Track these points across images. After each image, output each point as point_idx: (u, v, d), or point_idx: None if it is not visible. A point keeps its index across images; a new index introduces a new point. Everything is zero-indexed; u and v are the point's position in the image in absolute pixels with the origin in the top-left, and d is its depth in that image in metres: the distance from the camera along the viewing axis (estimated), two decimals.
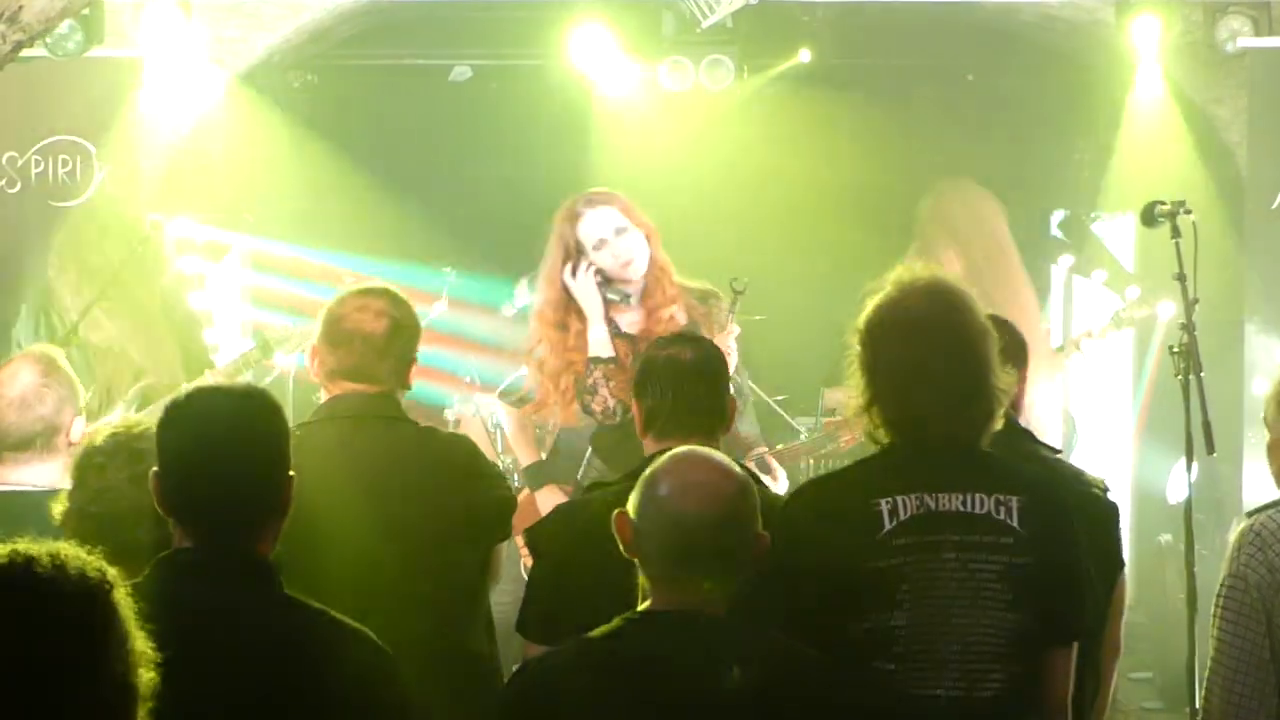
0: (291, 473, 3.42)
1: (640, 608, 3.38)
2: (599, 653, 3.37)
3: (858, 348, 3.93)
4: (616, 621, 3.40)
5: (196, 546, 3.34)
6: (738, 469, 3.46)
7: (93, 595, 2.43)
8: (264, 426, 3.42)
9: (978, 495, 3.78)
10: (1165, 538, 9.09)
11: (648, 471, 3.48)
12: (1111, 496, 4.89)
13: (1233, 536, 4.35)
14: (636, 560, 3.41)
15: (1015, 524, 3.77)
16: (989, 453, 3.89)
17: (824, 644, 3.73)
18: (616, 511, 3.44)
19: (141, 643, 2.46)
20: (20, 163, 8.22)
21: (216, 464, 3.34)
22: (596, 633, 3.41)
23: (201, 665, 3.05)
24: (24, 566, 2.40)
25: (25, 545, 2.44)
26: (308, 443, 4.37)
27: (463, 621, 4.49)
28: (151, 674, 2.47)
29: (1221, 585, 4.27)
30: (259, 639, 3.23)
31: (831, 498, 3.90)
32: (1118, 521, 4.79)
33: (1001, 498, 3.78)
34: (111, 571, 2.47)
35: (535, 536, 4.70)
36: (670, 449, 4.43)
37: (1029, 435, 4.83)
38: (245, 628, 3.24)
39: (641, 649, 3.33)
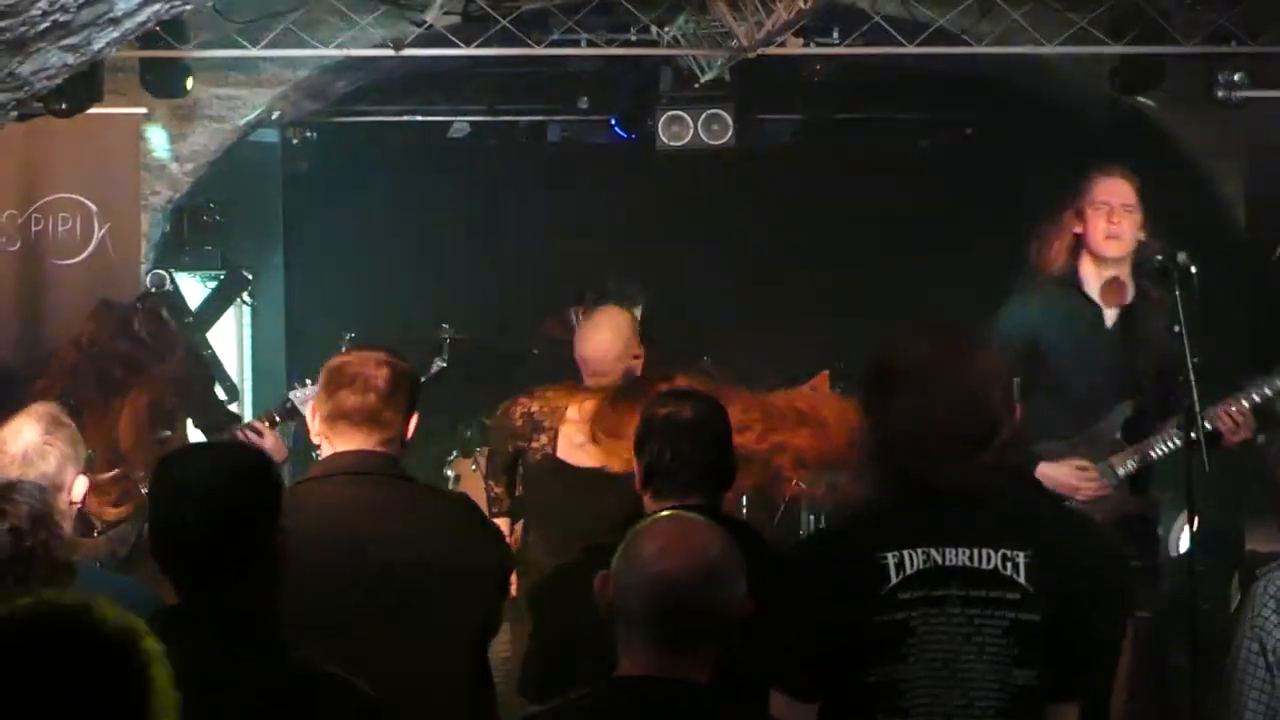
0: (284, 523, 3.44)
1: (617, 672, 3.30)
2: (572, 717, 3.33)
3: (863, 398, 3.92)
4: (593, 686, 3.35)
5: (181, 602, 3.38)
6: (723, 532, 3.38)
7: (127, 643, 2.44)
8: (248, 481, 3.45)
9: (984, 550, 3.76)
10: (1164, 588, 9.06)
11: (631, 532, 3.42)
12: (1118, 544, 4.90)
13: (1234, 587, 4.35)
14: (617, 623, 3.34)
15: (1022, 580, 3.75)
16: (997, 505, 3.87)
17: (829, 697, 3.73)
18: (600, 573, 3.40)
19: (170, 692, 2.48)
20: (20, 221, 8.22)
21: (198, 519, 3.37)
22: (572, 698, 3.39)
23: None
24: (55, 613, 2.43)
25: (52, 594, 2.48)
26: (305, 500, 4.36)
27: (461, 682, 4.46)
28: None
29: (1237, 645, 4.26)
30: (236, 694, 3.23)
31: (837, 550, 3.87)
32: (1124, 569, 4.79)
33: (1009, 553, 3.76)
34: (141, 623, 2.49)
35: (533, 597, 4.67)
36: (668, 508, 4.45)
37: (1035, 483, 4.82)
38: (220, 682, 3.24)
39: (612, 716, 3.27)
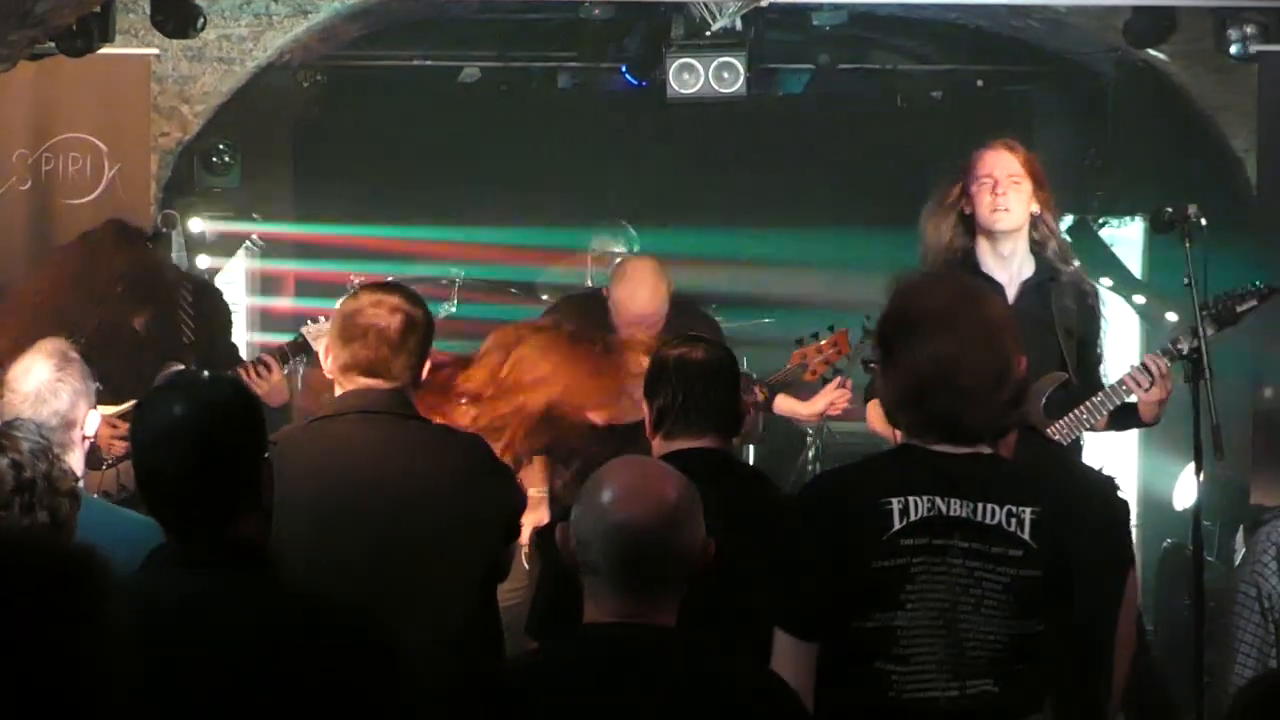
0: (267, 455, 3.46)
1: (585, 620, 3.31)
2: (543, 667, 3.35)
3: (883, 347, 3.93)
4: (563, 635, 3.37)
5: (168, 538, 3.39)
6: (681, 476, 3.38)
7: (88, 569, 2.46)
8: (229, 414, 3.45)
9: (989, 505, 3.77)
10: (1168, 542, 9.09)
11: (590, 478, 3.40)
12: (1121, 494, 4.92)
13: (1238, 541, 4.37)
14: (581, 570, 3.32)
15: (1026, 536, 3.77)
16: (1004, 461, 3.88)
17: (828, 639, 3.75)
18: (561, 524, 3.39)
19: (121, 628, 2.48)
20: (31, 160, 8.22)
21: (175, 459, 3.37)
22: (544, 646, 3.39)
23: (178, 653, 3.11)
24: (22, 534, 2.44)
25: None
26: (316, 438, 4.39)
27: (468, 620, 4.48)
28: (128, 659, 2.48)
29: (1234, 590, 4.29)
30: (234, 625, 3.25)
31: (842, 493, 3.89)
32: (1128, 519, 4.81)
33: (1014, 509, 3.77)
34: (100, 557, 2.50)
35: (543, 538, 4.70)
36: (678, 451, 4.47)
37: (1041, 436, 4.83)
38: (217, 614, 3.26)
39: (584, 663, 3.27)
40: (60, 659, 2.37)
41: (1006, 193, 6.18)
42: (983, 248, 6.27)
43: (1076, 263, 6.41)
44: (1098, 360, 6.35)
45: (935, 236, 6.31)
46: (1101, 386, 6.25)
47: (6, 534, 2.58)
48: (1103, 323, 6.35)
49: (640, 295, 7.08)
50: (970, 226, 6.26)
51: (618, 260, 8.17)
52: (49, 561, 2.44)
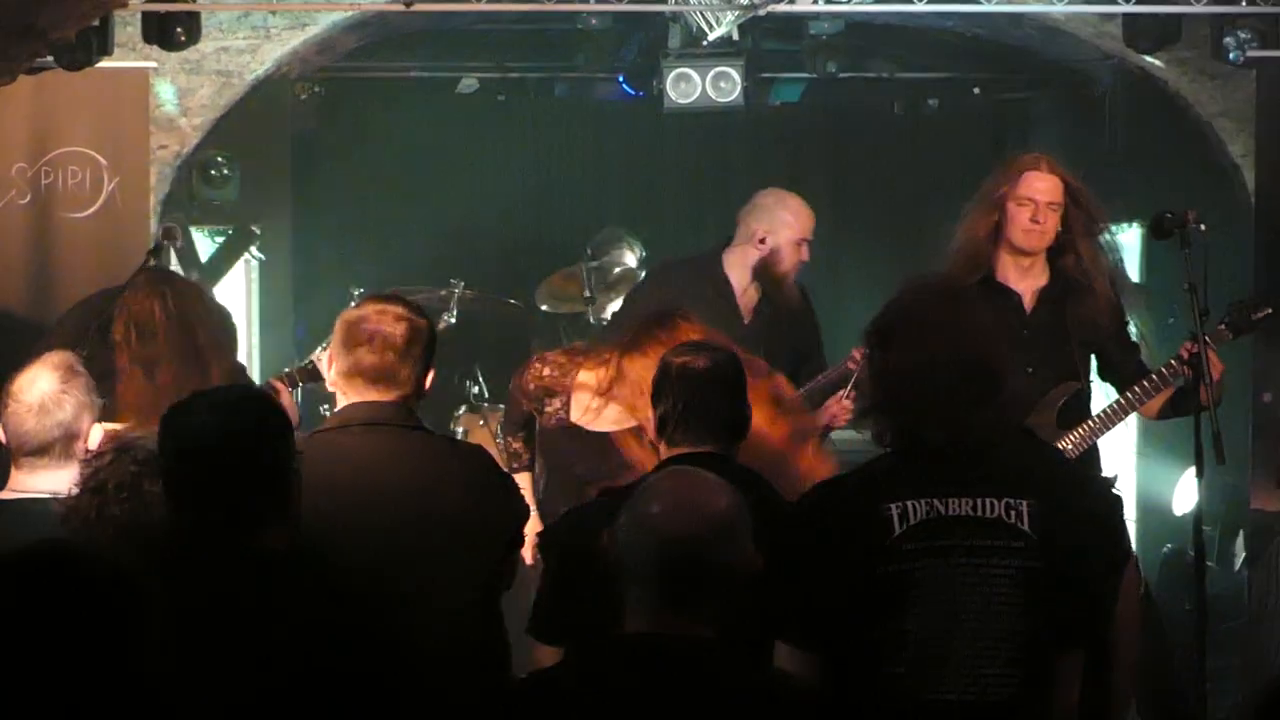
0: (296, 468, 3.47)
1: (625, 629, 3.31)
2: (580, 678, 3.33)
3: (868, 351, 3.96)
4: (601, 643, 3.37)
5: (199, 545, 3.39)
6: (730, 488, 3.38)
7: (127, 582, 2.48)
8: (261, 423, 3.48)
9: (988, 499, 3.79)
10: (1168, 548, 9.10)
11: (639, 488, 3.43)
12: (1116, 491, 4.93)
13: (1238, 545, 4.38)
14: (623, 579, 3.33)
15: (1026, 528, 3.79)
16: (999, 455, 3.90)
17: (836, 649, 3.76)
18: (605, 530, 3.40)
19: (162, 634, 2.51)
20: (30, 174, 8.22)
21: (215, 460, 3.40)
22: (579, 655, 3.41)
23: (207, 659, 3.12)
24: (63, 551, 2.46)
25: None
26: (321, 451, 4.39)
27: (475, 630, 4.50)
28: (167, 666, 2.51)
29: (1262, 594, 4.31)
30: (262, 634, 3.26)
31: (840, 502, 3.91)
32: (1121, 514, 4.83)
33: (1012, 501, 3.80)
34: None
35: (546, 540, 4.71)
36: (681, 456, 4.48)
37: (1032, 436, 4.85)
38: (246, 623, 3.27)
39: (624, 675, 3.26)
40: (103, 660, 2.39)
41: (1045, 220, 6.33)
42: (1004, 259, 6.42)
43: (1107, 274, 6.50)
44: (1128, 352, 6.47)
45: (967, 236, 6.43)
46: (1141, 375, 6.36)
47: (58, 546, 2.60)
48: (1126, 318, 6.49)
49: (803, 211, 7.27)
50: (997, 238, 6.39)
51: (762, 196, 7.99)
52: (99, 571, 2.47)
